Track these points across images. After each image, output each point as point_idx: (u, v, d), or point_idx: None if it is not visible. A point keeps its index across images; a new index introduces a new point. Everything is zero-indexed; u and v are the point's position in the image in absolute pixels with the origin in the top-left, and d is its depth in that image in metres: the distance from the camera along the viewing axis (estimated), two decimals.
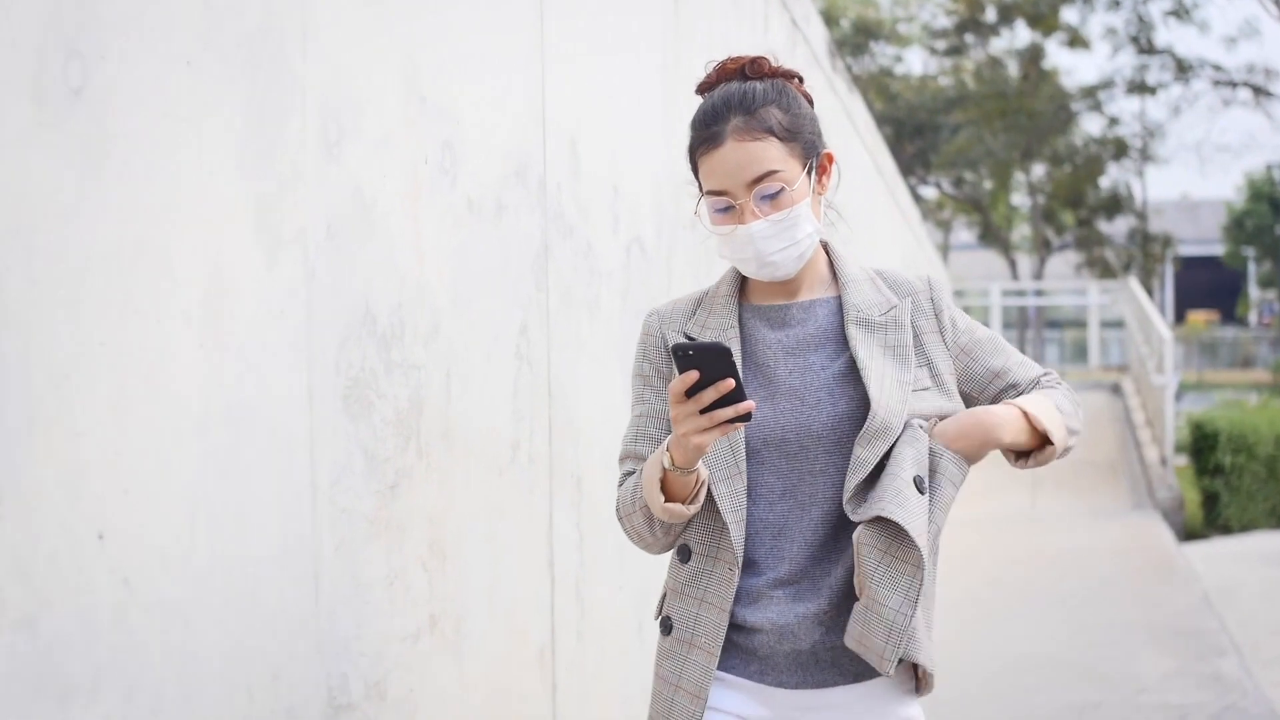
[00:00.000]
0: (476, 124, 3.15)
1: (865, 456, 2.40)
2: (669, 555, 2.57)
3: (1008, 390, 2.59)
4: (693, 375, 2.20)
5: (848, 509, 2.39)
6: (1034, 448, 2.50)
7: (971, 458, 2.44)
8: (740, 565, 2.45)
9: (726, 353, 2.19)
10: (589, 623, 3.84)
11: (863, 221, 12.73)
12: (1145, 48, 35.57)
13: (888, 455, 2.40)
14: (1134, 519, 15.04)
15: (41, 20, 1.83)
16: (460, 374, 3.05)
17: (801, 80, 2.57)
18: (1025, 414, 2.46)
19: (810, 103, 2.53)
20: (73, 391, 1.88)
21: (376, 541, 2.69)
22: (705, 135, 2.47)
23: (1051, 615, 9.66)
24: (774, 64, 2.53)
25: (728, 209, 2.46)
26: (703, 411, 2.23)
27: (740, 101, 2.45)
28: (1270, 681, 7.83)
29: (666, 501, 2.39)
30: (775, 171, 2.42)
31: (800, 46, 8.03)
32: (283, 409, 2.38)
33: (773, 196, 2.43)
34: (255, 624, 2.30)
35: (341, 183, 2.57)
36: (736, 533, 2.44)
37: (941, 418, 2.49)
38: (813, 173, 2.50)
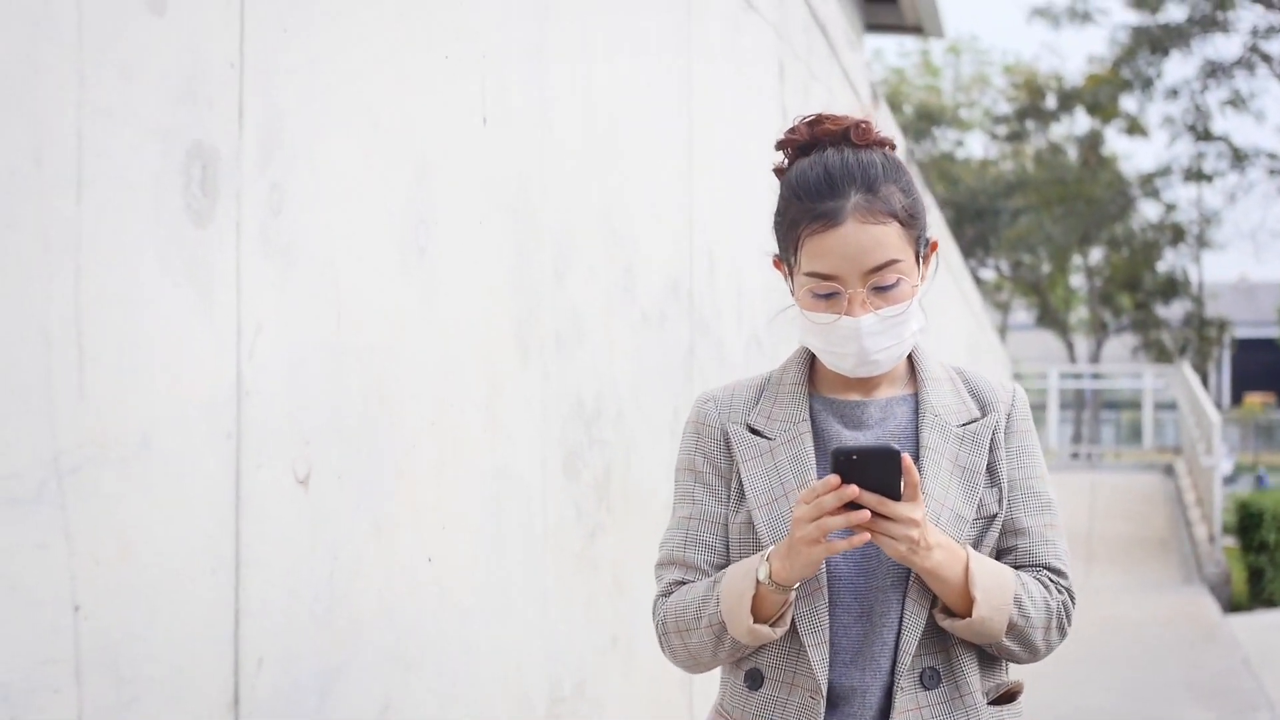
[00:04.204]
0: (648, 250, 3.99)
1: (916, 613, 2.17)
2: (718, 676, 2.35)
3: (1006, 553, 2.24)
4: (853, 489, 1.99)
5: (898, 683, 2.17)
6: (961, 613, 2.14)
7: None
8: (825, 693, 2.15)
9: (897, 456, 1.99)
10: None
11: (930, 307, 13.50)
12: (1203, 136, 36.04)
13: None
14: (1182, 592, 15.73)
15: (405, 196, 2.67)
16: (635, 449, 3.88)
17: (894, 147, 2.27)
18: (968, 570, 2.11)
19: None
20: (418, 457, 2.71)
21: (581, 575, 3.51)
22: (820, 210, 2.13)
23: (1104, 675, 10.39)
24: (876, 130, 2.24)
25: (831, 295, 2.15)
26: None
27: (863, 176, 2.14)
28: None
29: (755, 622, 2.11)
30: (896, 261, 2.13)
31: None
32: (527, 473, 3.21)
33: (887, 289, 2.14)
34: (509, 629, 3.12)
35: (565, 304, 3.40)
36: (817, 657, 2.15)
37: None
38: (920, 262, 2.22)
